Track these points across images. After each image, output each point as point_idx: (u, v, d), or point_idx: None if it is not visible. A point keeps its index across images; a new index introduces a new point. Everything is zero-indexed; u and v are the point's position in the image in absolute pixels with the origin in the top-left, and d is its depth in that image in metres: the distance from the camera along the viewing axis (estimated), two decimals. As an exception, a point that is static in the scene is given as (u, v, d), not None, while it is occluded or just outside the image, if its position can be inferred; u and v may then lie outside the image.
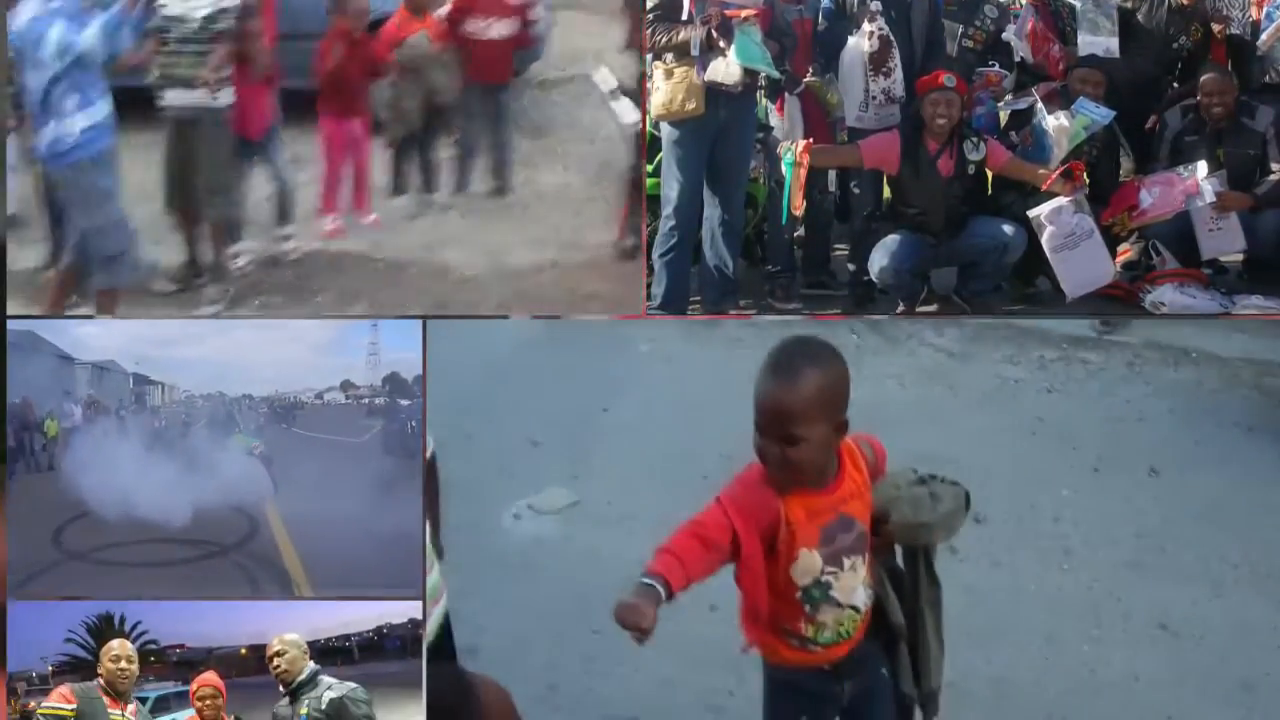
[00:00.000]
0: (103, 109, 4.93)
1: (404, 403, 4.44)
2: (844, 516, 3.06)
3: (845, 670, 3.17)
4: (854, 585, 3.11)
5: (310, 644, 3.50)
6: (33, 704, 3.46)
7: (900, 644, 3.26)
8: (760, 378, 2.97)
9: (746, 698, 3.60)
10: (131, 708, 3.45)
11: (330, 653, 3.63)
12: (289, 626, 3.50)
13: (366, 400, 4.59)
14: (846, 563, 3.07)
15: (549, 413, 5.62)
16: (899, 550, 3.27)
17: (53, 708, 3.36)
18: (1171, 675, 4.28)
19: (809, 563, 3.03)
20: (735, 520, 2.97)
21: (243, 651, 3.69)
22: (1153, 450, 5.44)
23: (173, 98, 5.40)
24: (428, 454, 3.66)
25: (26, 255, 5.41)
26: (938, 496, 3.17)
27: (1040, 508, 5.06)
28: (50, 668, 3.62)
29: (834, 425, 2.97)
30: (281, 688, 3.44)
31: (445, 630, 3.57)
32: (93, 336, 4.58)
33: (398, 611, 3.66)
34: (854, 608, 3.13)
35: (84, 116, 4.87)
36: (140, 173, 5.48)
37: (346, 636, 3.73)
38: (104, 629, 3.61)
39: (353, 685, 3.43)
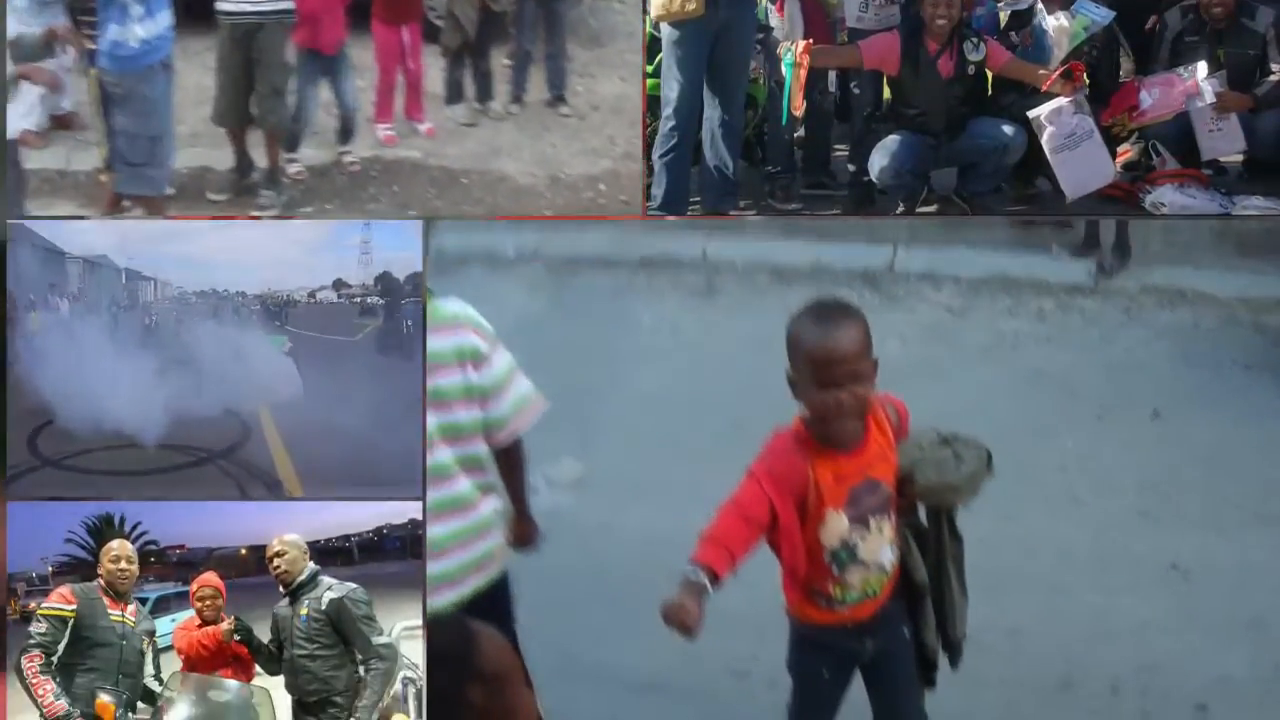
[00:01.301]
0: (162, 21, 4.85)
1: (400, 302, 4.40)
2: (870, 479, 3.13)
3: (868, 628, 3.25)
4: (880, 546, 3.16)
5: (310, 545, 3.46)
6: (33, 604, 3.40)
7: (924, 600, 3.31)
8: (807, 334, 3.07)
9: (770, 661, 3.62)
10: (131, 608, 3.40)
11: (330, 553, 3.56)
12: (289, 527, 3.47)
13: (359, 299, 4.55)
14: (873, 524, 3.13)
15: (553, 384, 5.63)
16: (921, 508, 3.30)
17: (53, 608, 3.32)
18: (1182, 618, 4.34)
19: (836, 525, 3.10)
20: (771, 493, 3.05)
21: (243, 552, 3.64)
22: (1154, 395, 5.50)
23: (234, 4, 5.26)
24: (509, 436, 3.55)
25: (85, 158, 5.32)
26: (961, 458, 3.21)
27: (1045, 458, 5.10)
28: (50, 568, 3.54)
29: (872, 365, 3.09)
30: (281, 588, 3.41)
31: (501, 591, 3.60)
32: (85, 232, 4.50)
33: (398, 512, 3.60)
34: (880, 567, 3.17)
35: (144, 27, 4.80)
36: (196, 76, 5.39)
37: (346, 537, 3.67)
38: (104, 529, 3.52)
39: (353, 586, 3.40)
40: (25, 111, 5.10)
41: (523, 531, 3.69)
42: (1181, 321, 6.06)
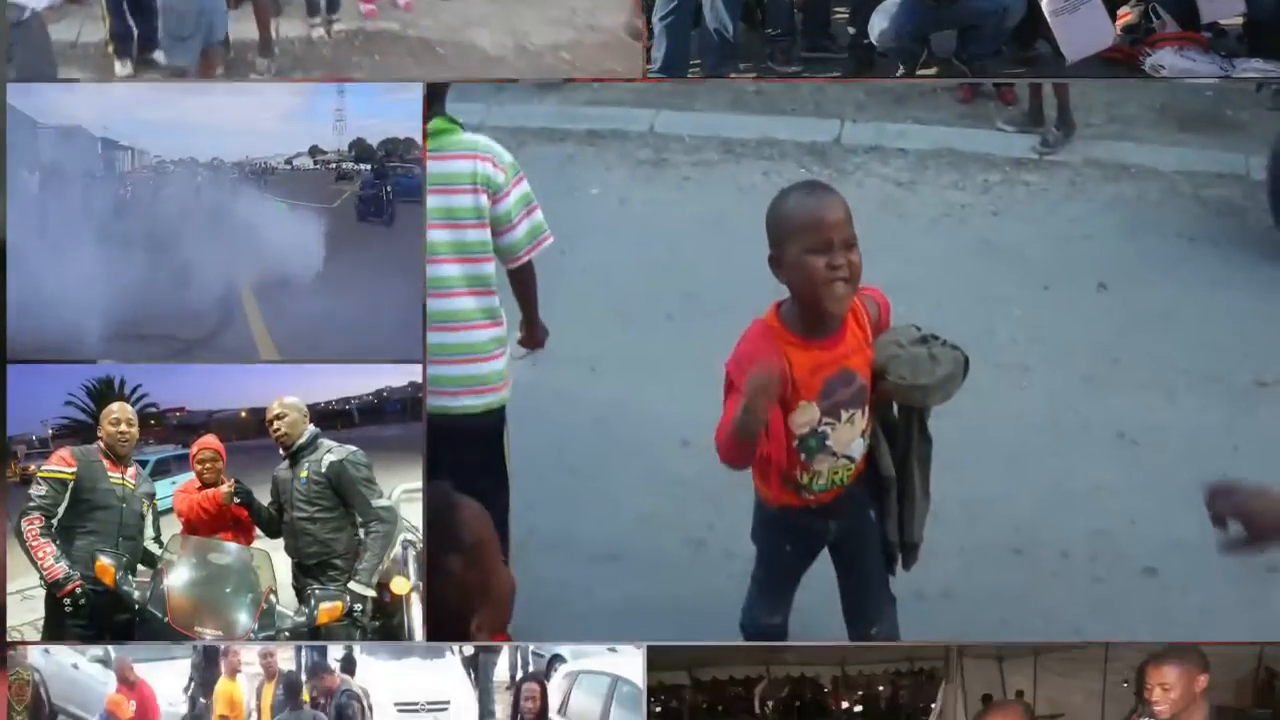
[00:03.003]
0: None
1: (374, 168, 4.36)
2: (845, 370, 3.14)
3: (833, 509, 3.29)
4: (850, 437, 3.19)
5: (310, 407, 3.49)
6: (33, 467, 3.40)
7: (889, 494, 3.34)
8: (795, 204, 3.09)
9: (727, 530, 3.69)
10: (131, 471, 3.43)
11: (330, 416, 3.58)
12: (289, 390, 3.48)
13: (335, 165, 4.49)
14: (844, 415, 3.16)
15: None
16: (895, 405, 3.32)
17: (53, 471, 3.34)
18: (1132, 482, 4.42)
19: (807, 413, 3.12)
20: None
21: (243, 415, 3.64)
22: (1100, 265, 5.52)
23: None
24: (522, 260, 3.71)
25: (95, 29, 5.18)
26: (937, 359, 3.18)
27: (996, 329, 5.13)
28: (50, 431, 3.53)
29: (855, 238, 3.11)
30: (281, 451, 3.45)
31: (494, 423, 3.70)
32: (59, 101, 4.35)
33: (398, 375, 3.62)
34: (849, 458, 3.21)
35: None
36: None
37: (346, 400, 3.69)
38: (104, 392, 3.50)
39: (352, 449, 3.44)
40: None
41: (532, 335, 3.93)
42: (1125, 194, 6.13)
